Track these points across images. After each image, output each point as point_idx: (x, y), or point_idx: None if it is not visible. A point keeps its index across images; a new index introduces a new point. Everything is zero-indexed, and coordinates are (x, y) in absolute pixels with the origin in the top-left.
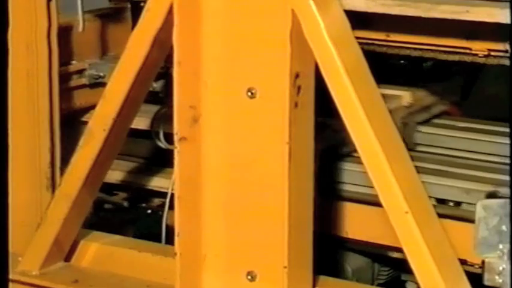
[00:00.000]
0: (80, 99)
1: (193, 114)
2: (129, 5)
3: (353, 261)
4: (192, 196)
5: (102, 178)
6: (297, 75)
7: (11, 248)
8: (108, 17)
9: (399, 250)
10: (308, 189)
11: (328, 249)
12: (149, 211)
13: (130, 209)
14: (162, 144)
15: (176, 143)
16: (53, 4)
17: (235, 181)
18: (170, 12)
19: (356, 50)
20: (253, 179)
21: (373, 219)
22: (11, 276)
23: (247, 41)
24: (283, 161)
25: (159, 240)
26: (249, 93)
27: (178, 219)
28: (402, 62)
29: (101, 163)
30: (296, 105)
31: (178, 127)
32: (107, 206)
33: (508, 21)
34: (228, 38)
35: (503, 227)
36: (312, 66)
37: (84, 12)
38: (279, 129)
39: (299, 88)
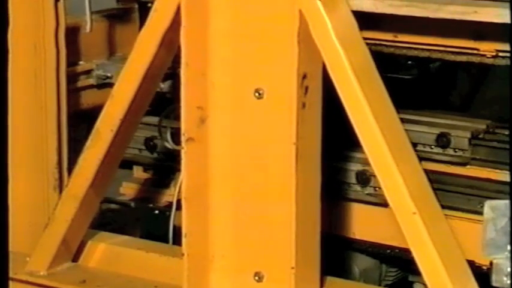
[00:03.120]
0: (87, 99)
1: (200, 114)
2: (136, 6)
3: (360, 262)
4: (199, 197)
5: (110, 178)
6: (305, 76)
7: (17, 248)
8: (115, 17)
9: (406, 251)
10: (315, 190)
11: (336, 250)
12: (156, 211)
13: (137, 209)
14: (169, 144)
15: (183, 144)
16: (60, 4)
17: (243, 182)
18: (178, 12)
19: (364, 51)
20: (260, 179)
21: (380, 220)
22: (19, 277)
23: (254, 42)
24: (291, 162)
25: (166, 241)
26: (257, 94)
27: (186, 220)
28: (410, 62)
29: (108, 163)
30: (303, 105)
31: (185, 128)
32: (113, 206)
33: (508, 21)
34: (235, 38)
35: None
36: (319, 66)
37: (91, 12)
38: (286, 130)
39: (306, 88)
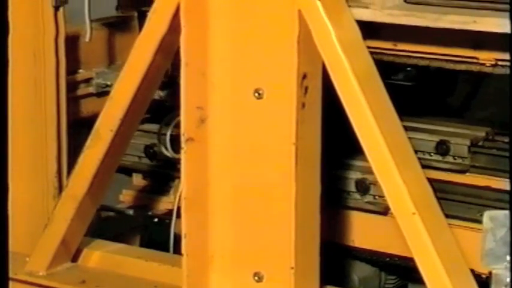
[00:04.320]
0: (87, 107)
1: (200, 114)
2: (136, 14)
3: (360, 270)
4: (199, 197)
5: (109, 179)
6: (304, 76)
7: (17, 249)
8: (115, 25)
9: (406, 259)
10: (315, 190)
11: (335, 258)
12: (155, 219)
13: (136, 216)
14: (169, 153)
15: (183, 144)
16: (60, 13)
17: (242, 182)
18: (177, 13)
19: (365, 54)
20: (260, 179)
21: (379, 228)
22: (18, 277)
23: (254, 42)
24: (290, 162)
25: (165, 248)
26: (256, 94)
27: (186, 220)
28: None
29: (107, 164)
30: (303, 105)
31: (185, 128)
32: (112, 214)
33: (507, 30)
34: (235, 38)
35: None
36: (319, 66)
37: (91, 21)
38: (286, 130)
39: (306, 89)
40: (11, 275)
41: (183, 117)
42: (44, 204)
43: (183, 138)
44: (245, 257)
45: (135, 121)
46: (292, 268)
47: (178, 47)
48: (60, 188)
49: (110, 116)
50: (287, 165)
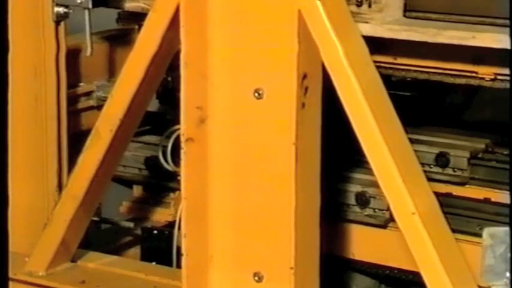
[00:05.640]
0: (87, 121)
1: (200, 114)
2: (136, 27)
3: (360, 283)
4: (198, 197)
5: (109, 178)
6: (305, 76)
7: (16, 249)
8: (115, 39)
9: (405, 271)
10: (315, 190)
11: (335, 270)
12: (155, 231)
13: (136, 229)
14: (170, 166)
15: (183, 144)
16: (61, 28)
17: (242, 182)
18: (177, 12)
19: (367, 57)
20: (260, 179)
21: (379, 241)
22: (18, 277)
23: (254, 42)
24: (290, 162)
25: (165, 260)
26: (256, 94)
27: (185, 220)
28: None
29: (107, 163)
30: (303, 105)
31: (185, 128)
32: (112, 226)
33: (506, 46)
34: (235, 38)
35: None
36: (319, 66)
37: (91, 34)
38: (286, 130)
39: (306, 89)
40: (10, 275)
41: (182, 117)
42: (44, 204)
43: (182, 139)
44: (245, 257)
45: (136, 120)
46: (292, 268)
47: (178, 50)
48: (60, 188)
49: (109, 116)
50: (287, 165)
